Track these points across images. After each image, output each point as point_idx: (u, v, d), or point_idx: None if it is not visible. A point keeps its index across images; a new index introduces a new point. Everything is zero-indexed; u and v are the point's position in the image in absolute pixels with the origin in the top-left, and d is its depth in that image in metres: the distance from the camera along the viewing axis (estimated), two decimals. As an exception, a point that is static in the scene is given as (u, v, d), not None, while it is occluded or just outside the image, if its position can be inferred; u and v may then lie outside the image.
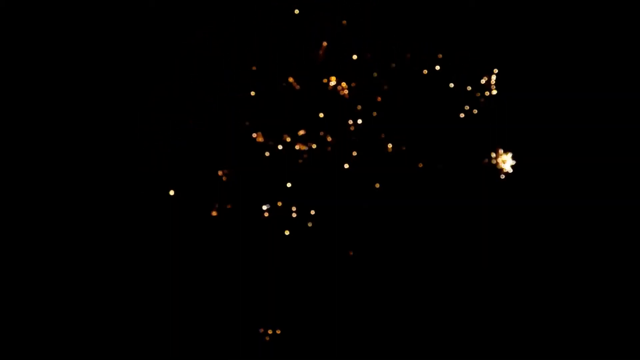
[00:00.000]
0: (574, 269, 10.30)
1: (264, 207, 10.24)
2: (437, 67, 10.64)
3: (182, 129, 10.59)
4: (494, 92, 10.34)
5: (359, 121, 10.59)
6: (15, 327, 10.03)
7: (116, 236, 10.34)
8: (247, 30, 10.93)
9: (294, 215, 10.33)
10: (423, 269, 10.41)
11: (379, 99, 10.66)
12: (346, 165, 10.44)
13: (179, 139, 10.44)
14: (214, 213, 10.26)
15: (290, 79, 10.23)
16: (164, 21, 10.86)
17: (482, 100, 10.45)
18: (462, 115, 10.59)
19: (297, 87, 10.18)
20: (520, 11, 10.68)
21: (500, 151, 10.30)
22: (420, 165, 10.21)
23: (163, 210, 10.39)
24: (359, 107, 10.61)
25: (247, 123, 10.42)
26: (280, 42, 10.93)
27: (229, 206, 10.28)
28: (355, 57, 10.57)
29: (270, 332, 10.13)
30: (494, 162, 10.27)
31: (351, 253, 10.34)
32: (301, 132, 10.52)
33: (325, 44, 9.69)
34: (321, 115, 10.41)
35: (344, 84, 10.59)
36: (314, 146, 10.38)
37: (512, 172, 10.53)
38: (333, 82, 10.38)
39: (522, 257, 10.40)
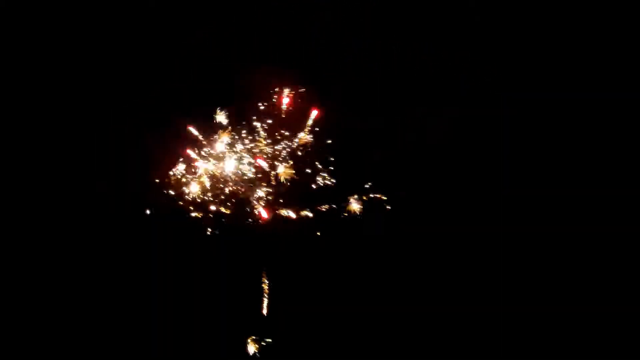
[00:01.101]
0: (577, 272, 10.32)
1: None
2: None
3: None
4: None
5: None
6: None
7: (116, 236, 10.36)
8: (247, 30, 10.95)
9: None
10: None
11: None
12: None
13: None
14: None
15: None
16: (164, 21, 10.88)
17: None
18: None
19: None
20: (520, 11, 10.68)
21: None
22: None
23: (163, 210, 10.41)
24: None
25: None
26: (280, 42, 10.95)
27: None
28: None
29: None
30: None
31: None
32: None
33: None
34: None
35: None
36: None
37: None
38: None
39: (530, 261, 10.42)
